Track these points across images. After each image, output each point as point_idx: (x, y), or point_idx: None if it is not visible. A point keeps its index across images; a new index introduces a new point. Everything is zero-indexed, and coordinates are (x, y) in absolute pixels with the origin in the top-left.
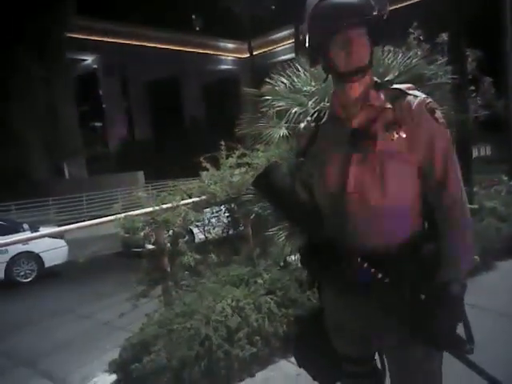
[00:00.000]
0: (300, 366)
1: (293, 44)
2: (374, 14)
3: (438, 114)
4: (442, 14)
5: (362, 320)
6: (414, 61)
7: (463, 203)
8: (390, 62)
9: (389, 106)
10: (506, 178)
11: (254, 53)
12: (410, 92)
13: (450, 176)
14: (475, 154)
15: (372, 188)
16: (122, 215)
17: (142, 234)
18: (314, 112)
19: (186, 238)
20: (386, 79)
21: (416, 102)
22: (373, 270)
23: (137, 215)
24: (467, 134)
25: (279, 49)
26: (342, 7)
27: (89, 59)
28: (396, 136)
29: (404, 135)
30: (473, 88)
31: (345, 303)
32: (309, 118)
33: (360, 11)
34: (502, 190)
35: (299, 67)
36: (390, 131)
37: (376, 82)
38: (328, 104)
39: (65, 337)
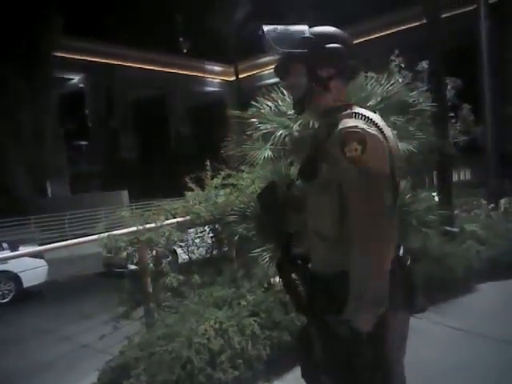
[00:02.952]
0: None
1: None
2: (305, 55)
3: (351, 146)
4: (423, 43)
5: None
6: (395, 88)
7: (364, 239)
8: (372, 87)
9: (326, 136)
10: (484, 202)
11: (241, 76)
12: (341, 122)
13: (351, 211)
14: (455, 178)
15: (311, 214)
16: (105, 234)
17: (124, 253)
18: None
19: (170, 258)
20: (368, 104)
21: (334, 134)
22: (303, 293)
23: (120, 235)
24: (447, 158)
25: (265, 72)
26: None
27: (75, 78)
28: (322, 167)
29: (326, 167)
30: (452, 114)
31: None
32: None
33: (292, 55)
34: (481, 213)
35: (284, 91)
36: (318, 162)
37: (326, 110)
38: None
39: (43, 359)
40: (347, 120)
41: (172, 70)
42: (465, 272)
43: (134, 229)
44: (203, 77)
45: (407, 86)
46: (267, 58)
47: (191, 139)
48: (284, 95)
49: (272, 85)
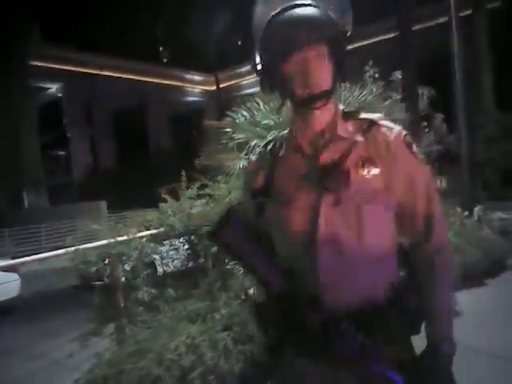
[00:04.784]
0: None
1: (258, 78)
2: (336, 31)
3: (415, 148)
4: (397, 53)
5: None
6: (369, 97)
7: (449, 249)
8: (345, 98)
9: (360, 138)
10: (459, 210)
11: (221, 85)
12: (383, 123)
13: (434, 219)
14: None
15: (344, 234)
16: (73, 248)
17: (94, 268)
18: (268, 142)
19: (148, 271)
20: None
21: (392, 134)
22: (354, 331)
23: (90, 248)
24: None
25: (245, 82)
26: (297, 24)
27: (53, 87)
28: (371, 173)
29: (379, 172)
30: (426, 124)
31: (316, 370)
32: (261, 150)
33: (318, 28)
34: (456, 221)
35: (259, 101)
36: (363, 168)
37: (343, 110)
38: (285, 134)
39: (13, 377)
40: (389, 123)
41: (152, 80)
42: None
43: (105, 242)
44: (184, 86)
45: (380, 95)
46: (247, 68)
47: (170, 149)
48: (259, 105)
49: (252, 94)
